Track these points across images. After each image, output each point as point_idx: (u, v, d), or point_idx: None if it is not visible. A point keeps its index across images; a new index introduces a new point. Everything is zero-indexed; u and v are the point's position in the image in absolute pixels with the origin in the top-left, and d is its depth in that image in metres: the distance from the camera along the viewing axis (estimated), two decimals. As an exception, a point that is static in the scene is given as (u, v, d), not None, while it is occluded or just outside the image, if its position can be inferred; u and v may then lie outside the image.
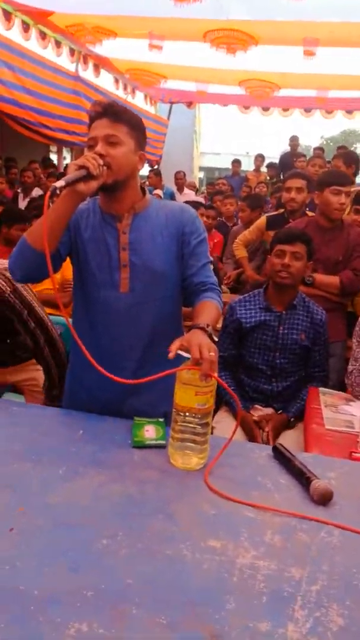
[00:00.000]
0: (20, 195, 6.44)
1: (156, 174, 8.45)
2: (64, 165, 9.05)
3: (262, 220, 3.93)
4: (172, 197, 8.29)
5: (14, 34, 6.39)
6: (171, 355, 1.22)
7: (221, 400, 2.28)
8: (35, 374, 2.22)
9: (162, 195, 7.64)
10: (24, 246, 1.41)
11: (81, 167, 1.32)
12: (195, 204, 3.90)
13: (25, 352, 2.14)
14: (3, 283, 1.81)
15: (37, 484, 1.18)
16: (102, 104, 1.43)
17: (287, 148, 8.71)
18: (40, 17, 6.34)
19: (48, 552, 0.97)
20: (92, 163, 1.32)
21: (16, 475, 1.21)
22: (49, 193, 1.29)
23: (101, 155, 1.37)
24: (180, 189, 8.65)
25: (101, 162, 1.35)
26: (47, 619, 0.83)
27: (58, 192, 1.30)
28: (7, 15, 6.14)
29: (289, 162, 7.48)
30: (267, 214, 4.05)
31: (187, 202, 4.09)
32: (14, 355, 2.26)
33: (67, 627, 0.81)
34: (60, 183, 1.28)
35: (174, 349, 1.24)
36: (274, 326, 2.22)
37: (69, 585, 0.90)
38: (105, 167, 1.37)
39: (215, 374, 1.22)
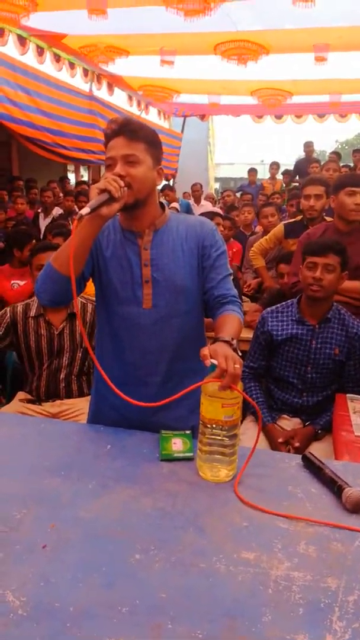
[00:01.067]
0: (41, 215, 6.54)
1: (170, 189, 8.51)
2: (75, 183, 9.16)
3: (279, 228, 3.90)
4: (188, 208, 8.34)
5: (29, 58, 6.56)
6: (207, 362, 1.21)
7: (247, 411, 2.25)
8: None
9: (179, 208, 7.68)
10: (51, 271, 1.42)
11: (103, 190, 1.32)
12: (211, 214, 3.91)
13: None
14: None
15: (68, 499, 1.19)
16: (117, 122, 1.43)
17: (302, 154, 8.71)
18: (54, 40, 6.49)
19: (81, 567, 0.98)
20: (113, 186, 1.32)
21: (46, 491, 1.22)
22: (75, 223, 1.31)
23: (121, 176, 1.38)
24: (197, 201, 8.69)
25: (122, 183, 1.35)
26: (84, 634, 0.83)
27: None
28: (22, 41, 6.30)
29: (304, 168, 7.48)
30: (284, 222, 4.02)
31: (202, 213, 4.11)
32: None
33: (103, 643, 0.82)
34: (85, 210, 1.29)
35: (207, 354, 1.23)
36: (307, 340, 2.14)
37: (103, 600, 0.90)
38: (125, 188, 1.37)
39: (238, 387, 1.21)
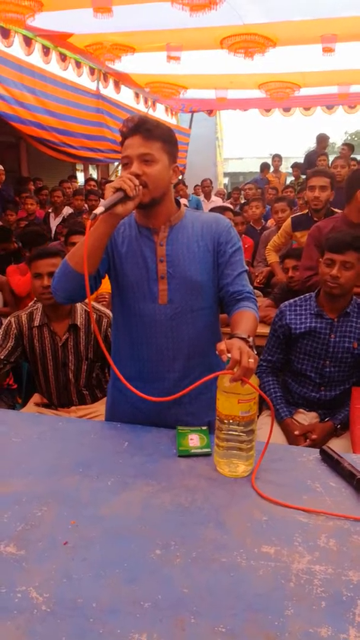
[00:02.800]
0: (52, 215, 6.57)
1: (183, 184, 8.50)
2: (84, 181, 9.18)
3: (287, 222, 3.90)
4: (197, 205, 8.33)
5: (35, 59, 6.58)
6: (224, 357, 1.21)
7: (263, 405, 2.24)
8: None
9: (188, 204, 7.68)
10: (67, 269, 1.43)
11: (118, 189, 1.32)
12: (221, 209, 3.91)
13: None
14: None
15: (87, 496, 1.19)
16: (133, 121, 1.42)
17: (312, 147, 8.63)
18: (60, 39, 6.50)
19: (103, 564, 0.98)
20: (128, 185, 1.32)
21: (66, 489, 1.22)
22: (89, 222, 1.32)
23: (137, 175, 1.38)
24: (207, 197, 8.67)
25: (137, 182, 1.36)
26: (108, 630, 0.84)
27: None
28: (28, 41, 6.32)
29: (315, 160, 7.43)
30: (292, 215, 4.01)
31: (213, 208, 4.11)
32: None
33: (127, 639, 0.82)
34: (100, 209, 1.30)
35: (224, 349, 1.22)
36: (325, 334, 2.13)
37: (126, 596, 0.91)
38: (141, 187, 1.37)
39: (253, 382, 1.21)
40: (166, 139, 1.44)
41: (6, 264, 4.60)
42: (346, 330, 2.13)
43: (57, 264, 2.18)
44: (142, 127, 1.40)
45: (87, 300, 1.39)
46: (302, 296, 2.26)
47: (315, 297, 2.21)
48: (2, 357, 2.23)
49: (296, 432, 2.09)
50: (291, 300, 2.27)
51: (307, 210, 3.71)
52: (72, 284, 1.43)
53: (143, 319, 1.53)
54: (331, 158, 7.80)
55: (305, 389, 2.20)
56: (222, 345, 1.22)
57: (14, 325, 2.24)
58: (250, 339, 1.31)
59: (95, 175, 12.33)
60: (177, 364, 1.56)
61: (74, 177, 8.19)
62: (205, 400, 1.57)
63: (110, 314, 2.17)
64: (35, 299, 2.35)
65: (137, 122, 1.41)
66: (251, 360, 1.19)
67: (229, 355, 1.19)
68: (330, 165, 6.41)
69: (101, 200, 6.63)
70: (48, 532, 1.07)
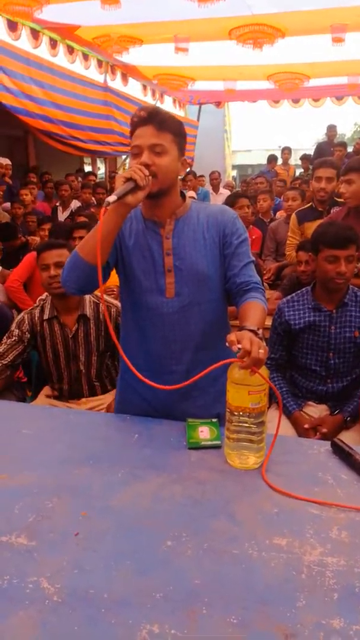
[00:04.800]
0: (59, 209, 6.57)
1: (194, 175, 8.46)
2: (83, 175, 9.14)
3: (292, 219, 3.84)
4: (206, 197, 8.29)
5: (42, 51, 6.56)
6: (235, 348, 1.20)
7: (272, 399, 2.24)
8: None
9: (196, 197, 7.65)
10: (77, 260, 1.43)
11: (128, 179, 1.32)
12: (234, 196, 3.90)
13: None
14: None
15: (98, 488, 1.20)
16: (147, 110, 1.42)
17: (320, 138, 8.57)
18: (67, 32, 6.48)
19: (114, 555, 0.98)
20: (139, 175, 1.32)
21: (77, 480, 1.23)
22: (103, 209, 1.31)
23: (147, 165, 1.38)
24: (215, 189, 8.63)
25: (147, 172, 1.35)
26: (119, 621, 0.84)
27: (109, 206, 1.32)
28: (35, 34, 6.30)
29: (327, 150, 7.36)
30: (296, 211, 3.96)
31: (228, 197, 4.10)
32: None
33: (139, 629, 0.82)
34: (112, 198, 1.30)
35: (234, 339, 1.21)
36: (325, 326, 2.12)
37: (137, 587, 0.91)
38: (151, 177, 1.37)
39: (263, 373, 1.20)
40: (177, 131, 1.44)
41: (14, 259, 4.62)
42: (346, 320, 2.12)
43: (64, 255, 2.21)
44: (154, 118, 1.40)
45: (96, 292, 1.39)
46: (298, 291, 2.25)
47: (311, 290, 2.20)
48: (7, 363, 2.23)
49: (306, 426, 2.09)
50: (288, 297, 2.27)
51: (310, 203, 3.68)
52: (82, 274, 1.43)
53: (150, 312, 1.53)
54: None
55: (313, 383, 2.19)
56: (232, 336, 1.22)
57: (26, 322, 2.26)
58: (260, 331, 1.31)
59: (103, 168, 12.32)
60: (185, 356, 1.55)
61: (80, 171, 8.15)
62: (213, 392, 1.57)
63: (119, 305, 2.17)
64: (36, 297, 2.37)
65: (150, 113, 1.41)
66: (261, 350, 1.19)
67: (239, 345, 1.18)
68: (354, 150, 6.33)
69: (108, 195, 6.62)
70: (59, 524, 1.07)
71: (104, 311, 1.67)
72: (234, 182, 11.99)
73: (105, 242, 1.38)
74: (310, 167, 7.97)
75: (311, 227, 3.40)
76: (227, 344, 1.22)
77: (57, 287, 2.14)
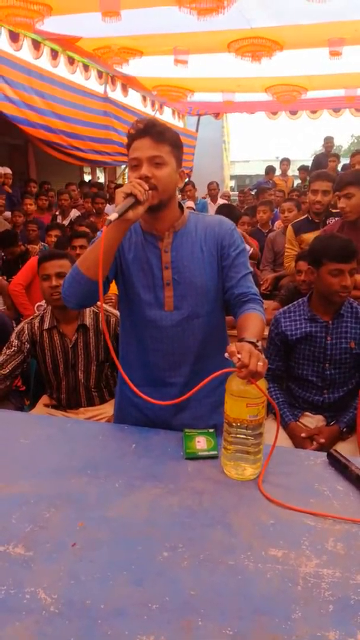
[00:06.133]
0: (59, 218, 6.59)
1: (193, 185, 8.50)
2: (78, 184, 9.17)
3: (289, 231, 3.86)
4: (204, 208, 8.33)
5: (43, 62, 6.61)
6: (235, 358, 1.20)
7: (269, 411, 2.24)
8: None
9: (195, 207, 7.68)
10: (77, 275, 1.43)
11: (129, 194, 1.32)
12: (228, 210, 3.92)
13: None
14: None
15: (95, 498, 1.20)
16: (144, 122, 1.42)
17: (317, 150, 8.66)
18: (68, 43, 6.54)
19: (111, 565, 0.99)
20: (139, 190, 1.32)
21: (74, 490, 1.23)
22: (105, 228, 1.32)
23: (147, 178, 1.38)
24: (214, 200, 8.67)
25: (147, 187, 1.36)
26: (115, 632, 0.84)
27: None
28: (37, 45, 6.36)
29: (324, 162, 7.43)
30: (291, 223, 3.99)
31: (220, 207, 4.13)
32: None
33: (135, 640, 0.82)
34: (114, 215, 1.30)
35: (234, 350, 1.22)
36: (322, 337, 2.13)
37: (133, 598, 0.91)
38: (150, 191, 1.37)
39: (261, 386, 1.21)
40: (174, 143, 1.44)
41: (13, 267, 4.63)
42: (341, 331, 2.14)
43: (64, 266, 2.21)
44: (152, 130, 1.40)
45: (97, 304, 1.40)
46: (295, 302, 2.27)
47: (307, 301, 2.21)
48: (6, 373, 2.22)
49: (303, 435, 2.09)
50: (284, 308, 2.28)
51: (306, 215, 3.72)
52: (83, 289, 1.43)
53: (149, 325, 1.53)
54: (342, 161, 7.78)
55: (309, 393, 2.20)
56: (232, 347, 1.23)
57: (26, 332, 2.26)
58: (259, 344, 1.31)
59: (102, 178, 12.36)
60: (184, 368, 1.56)
61: (72, 184, 8.13)
62: (211, 403, 1.58)
63: (118, 314, 2.18)
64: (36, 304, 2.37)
65: (147, 125, 1.41)
66: (260, 363, 1.19)
67: (240, 356, 1.19)
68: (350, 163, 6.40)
69: (107, 205, 6.66)
70: (56, 534, 1.08)
71: (103, 326, 1.67)
72: (230, 192, 12.06)
73: (105, 257, 1.38)
74: (308, 178, 8.05)
75: (308, 238, 3.43)
76: (226, 355, 1.22)
77: (58, 297, 2.14)
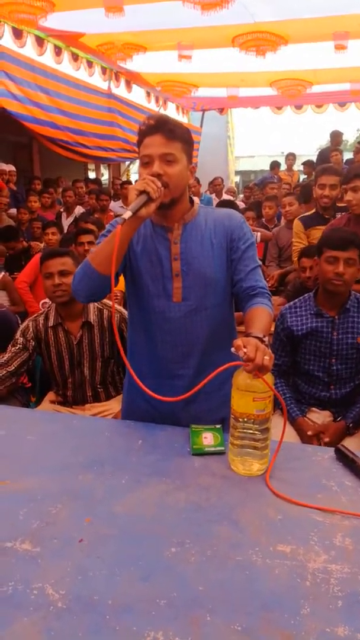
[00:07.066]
0: (63, 215, 6.60)
1: (197, 181, 8.48)
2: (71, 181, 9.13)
3: (297, 225, 3.85)
4: (209, 203, 8.31)
5: (47, 59, 6.60)
6: (242, 352, 1.20)
7: (276, 406, 2.23)
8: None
9: (200, 203, 7.66)
10: (89, 270, 1.43)
11: (141, 192, 1.32)
12: (228, 204, 3.91)
13: None
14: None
15: (102, 494, 1.20)
16: (155, 118, 1.42)
17: (323, 144, 8.62)
18: (72, 39, 6.52)
19: (118, 561, 0.99)
20: (152, 187, 1.32)
21: (81, 486, 1.23)
22: (119, 227, 1.31)
23: (159, 175, 1.38)
24: (218, 195, 8.65)
25: (159, 184, 1.35)
26: (123, 627, 0.84)
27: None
28: (40, 42, 6.35)
29: (328, 157, 7.40)
30: (299, 217, 3.98)
31: (220, 202, 4.11)
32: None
33: (142, 636, 0.82)
34: (128, 214, 1.30)
35: (240, 344, 1.21)
36: (328, 332, 2.12)
37: (141, 593, 0.91)
38: (162, 188, 1.37)
39: (268, 380, 1.21)
40: (186, 139, 1.44)
41: (16, 263, 4.64)
42: (348, 326, 2.13)
43: (66, 263, 2.22)
44: (164, 127, 1.39)
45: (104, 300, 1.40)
46: (301, 297, 2.26)
47: (313, 296, 2.20)
48: (12, 370, 2.23)
49: (309, 433, 2.08)
50: (290, 303, 2.27)
51: (314, 210, 3.70)
52: (94, 284, 1.44)
53: (158, 317, 1.54)
54: (345, 155, 7.74)
55: (315, 389, 2.19)
56: (238, 341, 1.22)
57: (31, 330, 2.26)
58: (266, 338, 1.31)
59: (107, 175, 12.35)
60: (192, 361, 1.56)
61: (79, 181, 8.11)
62: (219, 397, 1.57)
63: (123, 311, 2.17)
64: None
65: (159, 121, 1.41)
66: (267, 357, 1.19)
67: (245, 350, 1.19)
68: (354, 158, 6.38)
69: (112, 202, 6.65)
70: (63, 530, 1.07)
71: (113, 322, 1.69)
72: (235, 188, 12.03)
73: (118, 254, 1.38)
74: (313, 173, 8.01)
75: (317, 233, 3.42)
76: (233, 349, 1.22)
77: (61, 295, 2.16)
